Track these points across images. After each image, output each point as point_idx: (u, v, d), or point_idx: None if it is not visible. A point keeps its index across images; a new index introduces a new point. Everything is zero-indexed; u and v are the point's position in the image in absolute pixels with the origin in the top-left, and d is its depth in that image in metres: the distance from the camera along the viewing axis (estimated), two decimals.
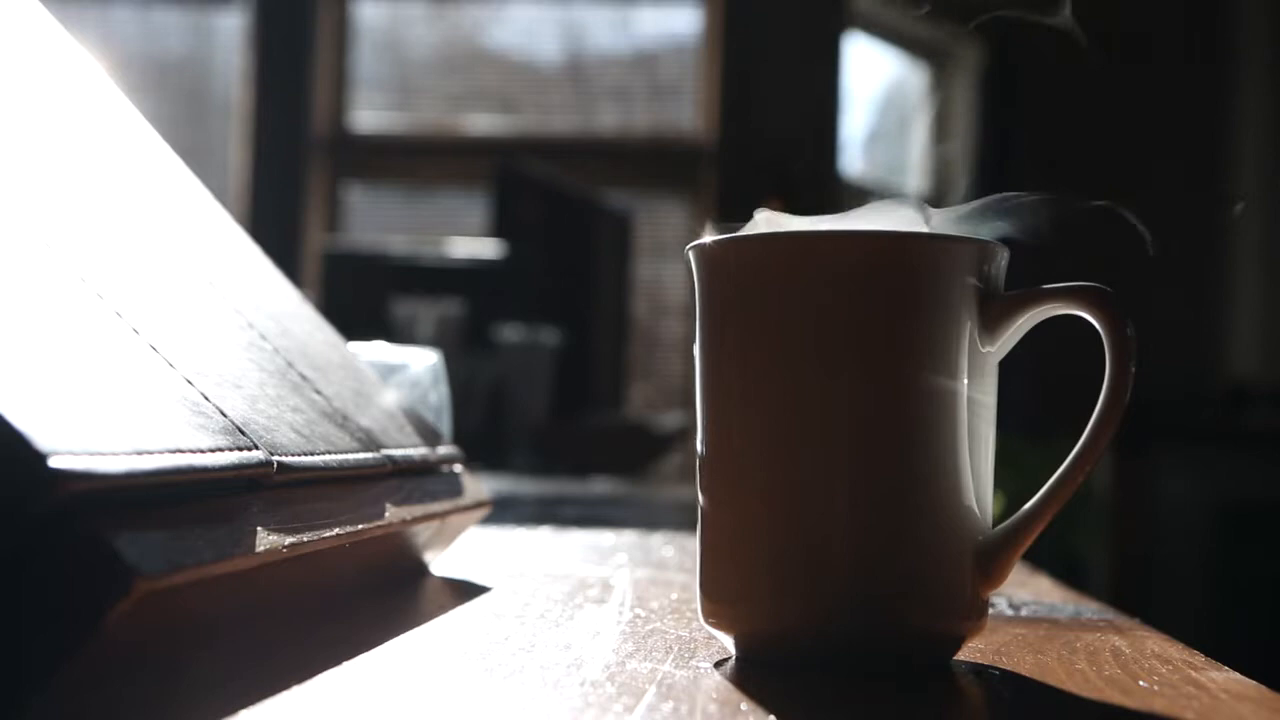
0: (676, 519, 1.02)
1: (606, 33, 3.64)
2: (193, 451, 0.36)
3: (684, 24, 3.59)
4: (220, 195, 0.65)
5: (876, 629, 0.40)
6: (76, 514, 0.30)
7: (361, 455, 0.50)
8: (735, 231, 0.43)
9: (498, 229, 2.45)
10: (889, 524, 0.40)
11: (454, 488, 0.62)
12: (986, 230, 0.43)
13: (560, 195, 2.63)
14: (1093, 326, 0.41)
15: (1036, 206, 0.43)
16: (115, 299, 0.41)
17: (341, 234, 3.54)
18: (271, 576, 0.41)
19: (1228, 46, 3.50)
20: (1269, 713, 0.35)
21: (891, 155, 3.95)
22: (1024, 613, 0.53)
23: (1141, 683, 0.39)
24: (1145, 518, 3.19)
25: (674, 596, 0.55)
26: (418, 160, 3.58)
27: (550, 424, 2.12)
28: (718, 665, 0.40)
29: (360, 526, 0.46)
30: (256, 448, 0.40)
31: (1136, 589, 3.15)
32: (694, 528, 0.44)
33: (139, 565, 0.30)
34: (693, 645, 0.43)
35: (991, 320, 0.41)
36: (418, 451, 0.59)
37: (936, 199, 0.45)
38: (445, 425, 0.72)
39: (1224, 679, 0.40)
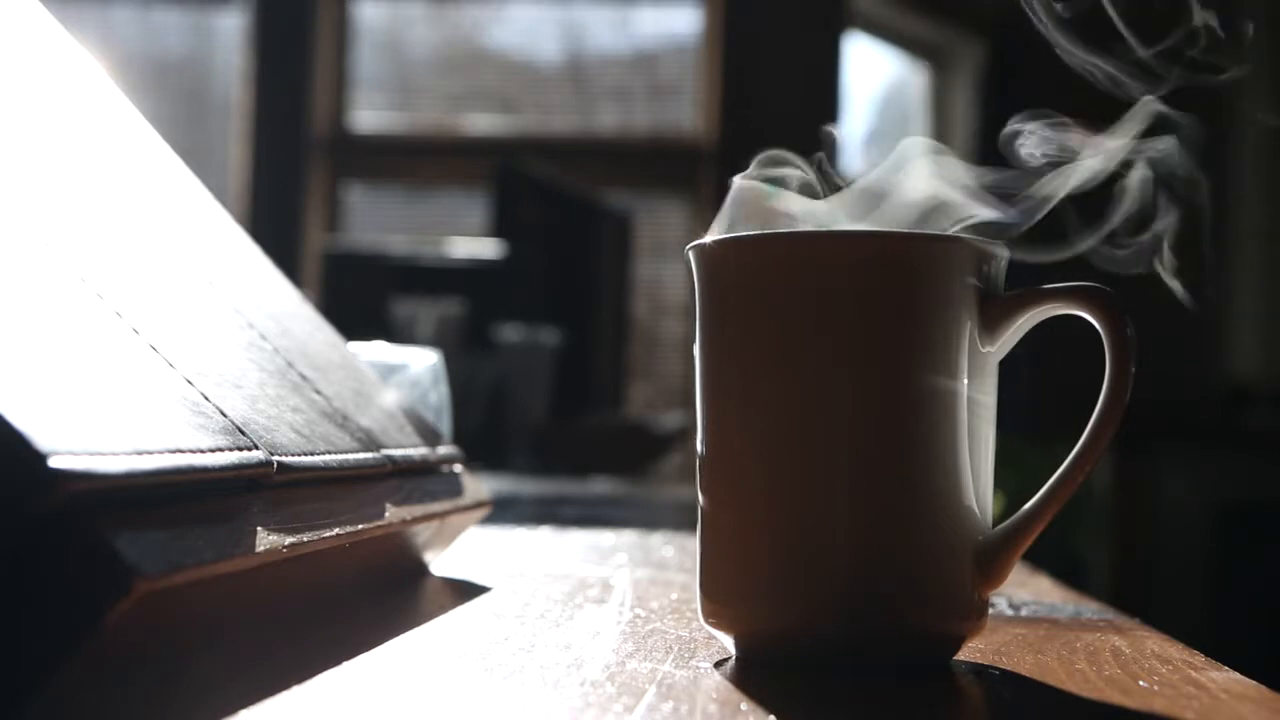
0: (676, 519, 1.02)
1: (606, 33, 3.64)
2: (193, 451, 0.36)
3: (684, 24, 3.59)
4: (220, 195, 0.65)
5: (876, 629, 0.40)
6: (76, 514, 0.30)
7: (361, 455, 0.50)
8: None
9: (498, 229, 2.45)
10: (889, 524, 0.40)
11: (454, 488, 0.62)
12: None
13: (560, 195, 2.63)
14: (1093, 326, 0.41)
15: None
16: (115, 299, 0.41)
17: (341, 234, 3.54)
18: (271, 576, 0.41)
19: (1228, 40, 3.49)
20: (1269, 713, 0.35)
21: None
22: (1024, 613, 0.53)
23: (1141, 683, 0.39)
24: (1145, 518, 3.19)
25: (674, 596, 0.55)
26: (418, 160, 3.58)
27: (550, 424, 2.12)
28: (718, 665, 0.40)
29: (360, 526, 0.46)
30: (256, 448, 0.40)
31: (1136, 589, 3.15)
32: (694, 528, 0.44)
33: (139, 565, 0.30)
34: (693, 645, 0.43)
35: (991, 320, 0.41)
36: (418, 451, 0.59)
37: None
38: (445, 425, 0.72)
39: (1224, 679, 0.40)
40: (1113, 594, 3.00)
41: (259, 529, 0.38)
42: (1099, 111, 0.44)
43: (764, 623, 0.41)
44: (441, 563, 0.64)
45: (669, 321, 3.51)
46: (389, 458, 0.54)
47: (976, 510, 0.41)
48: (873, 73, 3.78)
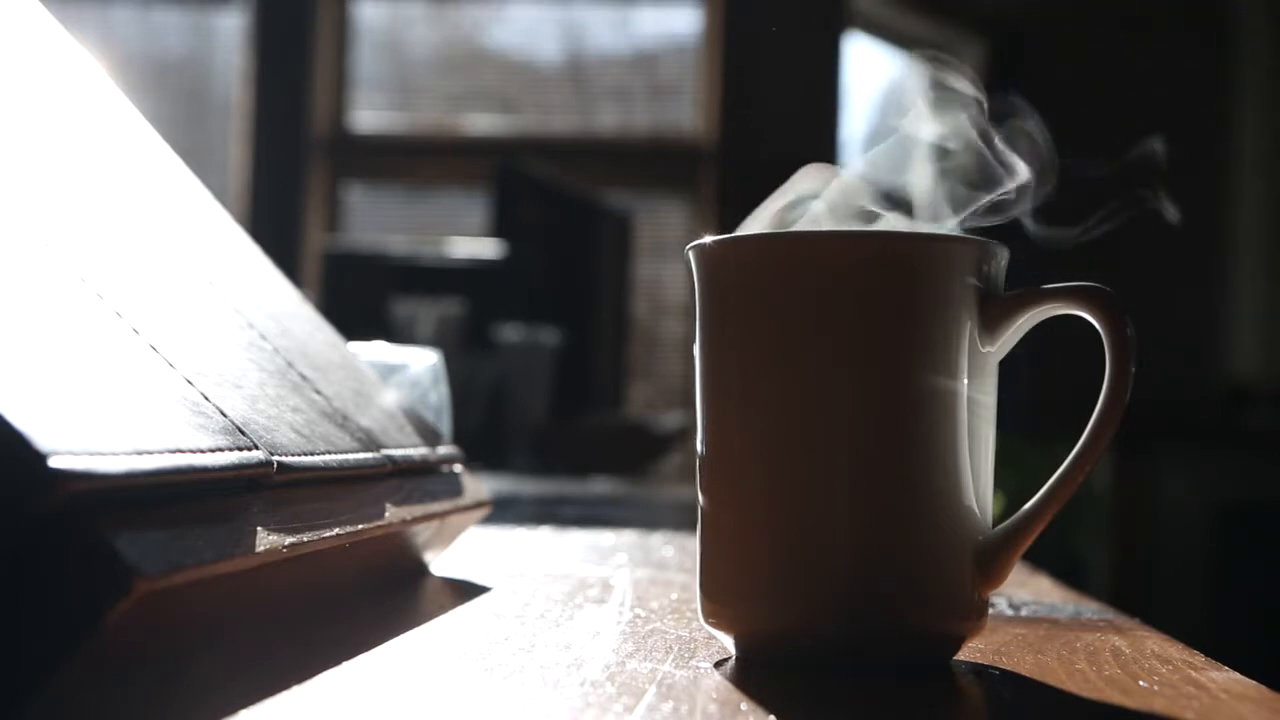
0: (676, 519, 1.02)
1: (606, 33, 3.64)
2: (193, 451, 0.36)
3: (684, 24, 3.59)
4: (220, 195, 0.65)
5: (876, 629, 0.40)
6: (76, 514, 0.30)
7: (361, 455, 0.50)
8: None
9: (498, 229, 2.45)
10: (889, 524, 0.40)
11: (454, 488, 0.62)
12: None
13: (560, 195, 2.63)
14: (1093, 326, 0.41)
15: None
16: (115, 299, 0.41)
17: (341, 234, 3.54)
18: (271, 576, 0.41)
19: (1228, 39, 3.50)
20: (1269, 713, 0.35)
21: None
22: (1024, 613, 0.53)
23: (1141, 683, 0.39)
24: (1145, 518, 3.19)
25: (674, 596, 0.55)
26: (418, 160, 3.58)
27: (550, 424, 2.12)
28: (718, 665, 0.40)
29: (360, 526, 0.46)
30: (256, 448, 0.40)
31: (1136, 589, 3.15)
32: (694, 528, 0.44)
33: (139, 565, 0.30)
34: (693, 645, 0.43)
35: (991, 320, 0.41)
36: (418, 451, 0.59)
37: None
38: (445, 425, 0.72)
39: (1224, 679, 0.40)
40: (1113, 594, 3.00)
41: (259, 529, 0.38)
42: (1097, 111, 0.44)
43: (764, 623, 0.41)
44: (441, 563, 0.64)
45: (669, 321, 3.51)
46: (389, 458, 0.54)
47: (976, 510, 0.41)
48: (873, 73, 3.78)
